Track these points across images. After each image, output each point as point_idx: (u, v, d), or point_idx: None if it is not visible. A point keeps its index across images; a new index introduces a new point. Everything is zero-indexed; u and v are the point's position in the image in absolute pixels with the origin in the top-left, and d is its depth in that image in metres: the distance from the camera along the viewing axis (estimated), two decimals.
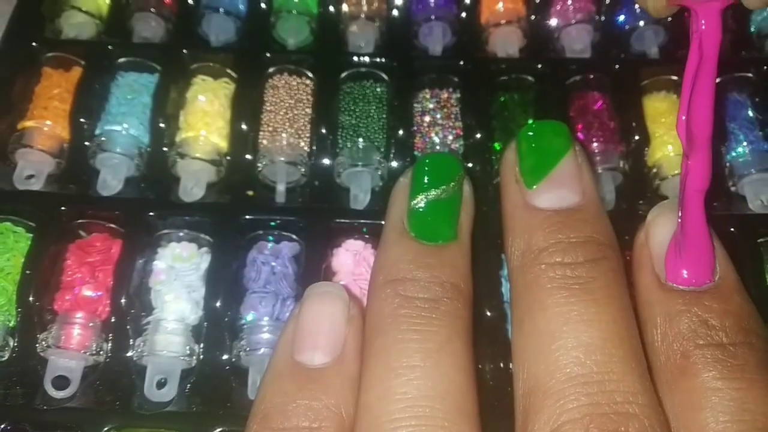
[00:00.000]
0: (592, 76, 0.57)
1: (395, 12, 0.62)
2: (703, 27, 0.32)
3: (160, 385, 0.46)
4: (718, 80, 0.54)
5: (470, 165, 0.53)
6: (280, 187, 0.53)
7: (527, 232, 0.34)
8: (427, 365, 0.31)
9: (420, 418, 0.30)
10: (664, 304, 0.33)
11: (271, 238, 0.51)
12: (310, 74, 0.57)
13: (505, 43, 0.60)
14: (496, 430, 0.34)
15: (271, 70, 0.57)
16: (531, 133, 0.37)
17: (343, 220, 0.51)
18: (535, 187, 0.35)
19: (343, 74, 0.57)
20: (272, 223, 0.51)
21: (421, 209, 0.36)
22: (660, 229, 0.35)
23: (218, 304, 0.47)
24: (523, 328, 0.32)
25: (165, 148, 0.54)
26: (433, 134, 0.55)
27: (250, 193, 0.54)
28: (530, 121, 0.54)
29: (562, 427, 0.29)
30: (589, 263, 0.33)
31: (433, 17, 0.61)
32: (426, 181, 0.37)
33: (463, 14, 0.62)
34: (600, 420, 0.29)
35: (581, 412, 0.29)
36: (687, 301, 0.33)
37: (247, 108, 0.55)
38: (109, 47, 0.58)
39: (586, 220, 0.34)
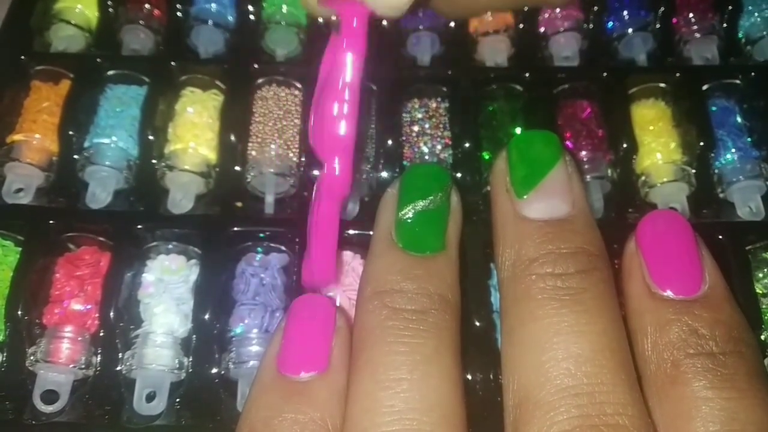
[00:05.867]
0: (579, 84, 0.57)
1: (384, 22, 0.62)
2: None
3: (150, 398, 0.46)
4: (704, 87, 0.55)
5: (459, 175, 0.53)
6: (269, 199, 0.53)
7: (518, 243, 0.34)
8: (415, 377, 0.31)
9: (407, 431, 0.30)
10: (655, 313, 0.33)
11: (260, 249, 0.51)
12: (298, 85, 0.57)
13: (494, 52, 0.59)
14: None
15: (259, 81, 0.57)
16: (522, 143, 0.37)
17: None
18: (525, 197, 0.35)
19: None
20: (261, 235, 0.51)
21: (408, 220, 0.36)
22: None
23: (207, 316, 0.47)
24: (513, 338, 0.32)
25: (154, 161, 0.54)
26: (421, 144, 0.55)
27: (239, 204, 0.54)
28: (521, 131, 0.54)
29: None
30: (579, 274, 0.33)
31: (421, 27, 0.61)
32: (414, 191, 0.37)
33: (452, 24, 0.61)
34: None
35: (571, 424, 0.29)
36: (677, 310, 0.33)
37: (235, 119, 0.55)
38: (98, 60, 0.58)
39: (576, 230, 0.34)
